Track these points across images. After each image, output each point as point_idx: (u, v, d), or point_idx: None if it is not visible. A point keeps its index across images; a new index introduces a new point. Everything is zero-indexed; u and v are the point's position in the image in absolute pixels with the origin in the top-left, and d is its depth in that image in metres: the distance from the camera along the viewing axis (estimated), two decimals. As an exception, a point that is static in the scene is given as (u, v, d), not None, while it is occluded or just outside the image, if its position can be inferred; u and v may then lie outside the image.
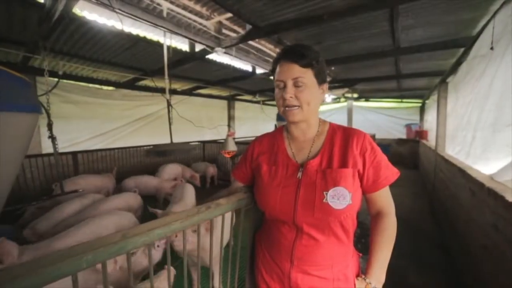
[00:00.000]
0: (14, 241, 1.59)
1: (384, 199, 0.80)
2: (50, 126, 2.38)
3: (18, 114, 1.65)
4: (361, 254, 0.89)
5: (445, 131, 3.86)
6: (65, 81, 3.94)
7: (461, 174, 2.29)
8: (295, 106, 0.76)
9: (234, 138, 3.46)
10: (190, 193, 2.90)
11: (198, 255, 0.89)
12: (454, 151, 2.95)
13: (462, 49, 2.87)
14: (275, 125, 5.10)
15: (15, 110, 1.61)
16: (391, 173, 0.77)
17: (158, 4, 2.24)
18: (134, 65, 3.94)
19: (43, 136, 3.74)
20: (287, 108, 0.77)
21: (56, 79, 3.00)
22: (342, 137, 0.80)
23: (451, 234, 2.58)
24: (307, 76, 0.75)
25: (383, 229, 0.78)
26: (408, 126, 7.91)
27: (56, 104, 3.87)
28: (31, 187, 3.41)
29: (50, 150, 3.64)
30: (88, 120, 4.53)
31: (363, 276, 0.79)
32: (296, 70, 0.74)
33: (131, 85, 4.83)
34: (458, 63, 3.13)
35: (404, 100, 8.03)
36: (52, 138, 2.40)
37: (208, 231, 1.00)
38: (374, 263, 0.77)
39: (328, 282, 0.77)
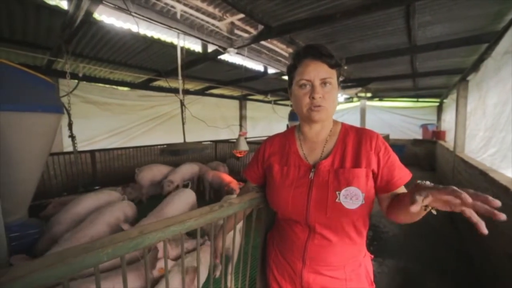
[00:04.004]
0: (42, 232, 1.70)
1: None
2: (70, 125, 2.50)
3: (43, 114, 1.75)
4: (372, 256, 0.88)
5: (465, 131, 3.69)
6: (84, 82, 4.13)
7: (483, 177, 2.18)
8: (322, 106, 0.75)
9: (246, 138, 3.47)
10: (175, 204, 2.47)
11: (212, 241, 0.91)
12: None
13: (485, 45, 2.73)
14: (287, 125, 5.07)
15: (41, 110, 1.71)
16: (405, 173, 0.75)
17: (172, 7, 2.29)
18: (148, 66, 4.06)
19: (65, 135, 3.93)
20: (313, 108, 0.75)
21: (76, 81, 3.15)
22: (355, 137, 0.79)
23: (472, 240, 2.47)
24: (333, 76, 0.75)
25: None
26: (424, 126, 7.61)
27: (77, 104, 4.06)
28: (54, 183, 3.60)
29: (70, 148, 3.81)
30: (105, 120, 4.70)
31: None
32: (325, 70, 0.74)
33: (145, 85, 4.97)
34: (481, 60, 2.97)
35: (420, 100, 7.73)
36: (72, 137, 2.53)
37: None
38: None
39: (341, 282, 0.76)
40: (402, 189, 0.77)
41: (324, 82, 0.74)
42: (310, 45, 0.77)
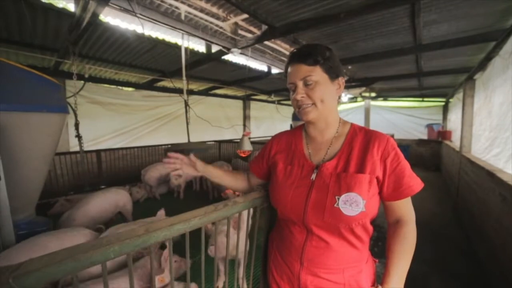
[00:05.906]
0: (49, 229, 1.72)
1: (404, 208, 0.75)
2: (77, 126, 2.54)
3: (48, 114, 1.78)
4: (376, 261, 0.86)
5: (472, 131, 3.63)
6: (90, 83, 4.19)
7: (490, 177, 2.15)
8: (309, 104, 0.75)
9: (249, 138, 3.48)
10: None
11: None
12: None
13: (492, 44, 2.69)
14: (291, 125, 5.07)
15: (46, 110, 1.75)
16: (415, 182, 0.72)
17: (177, 8, 2.31)
18: (153, 67, 4.10)
19: (71, 135, 3.99)
20: (301, 108, 0.77)
21: (82, 82, 3.20)
22: (363, 140, 0.76)
23: (478, 241, 2.43)
24: (315, 73, 0.74)
25: (403, 238, 0.72)
26: (430, 126, 7.52)
27: (83, 105, 4.12)
28: (60, 182, 3.66)
29: (77, 148, 3.88)
30: (110, 120, 4.76)
31: (379, 287, 0.72)
32: (304, 70, 0.74)
33: (150, 86, 5.02)
34: (488, 58, 2.93)
35: (425, 99, 7.65)
36: (79, 137, 2.56)
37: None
38: (392, 273, 0.71)
39: (339, 287, 0.75)
40: (407, 199, 0.74)
41: (305, 81, 0.74)
42: (293, 50, 0.79)
